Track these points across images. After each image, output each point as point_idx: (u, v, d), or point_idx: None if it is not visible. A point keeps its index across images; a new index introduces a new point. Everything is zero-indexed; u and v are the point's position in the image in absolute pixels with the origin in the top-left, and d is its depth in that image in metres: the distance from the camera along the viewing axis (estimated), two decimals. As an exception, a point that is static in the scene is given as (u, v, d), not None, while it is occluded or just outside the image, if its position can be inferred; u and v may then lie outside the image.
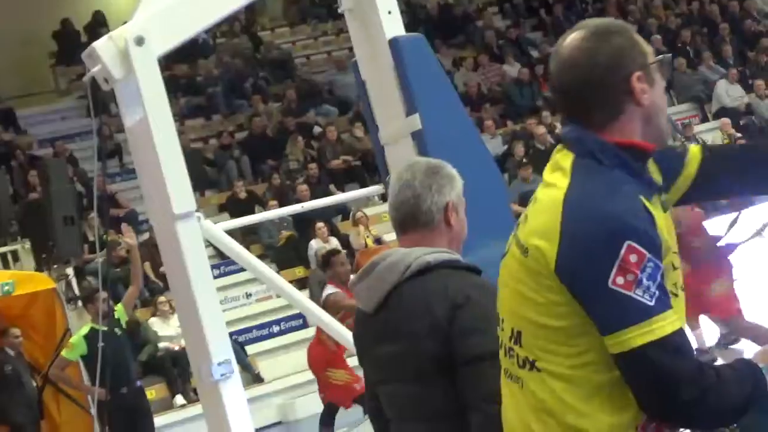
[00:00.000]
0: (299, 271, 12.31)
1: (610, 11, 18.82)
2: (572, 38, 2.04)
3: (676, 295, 1.95)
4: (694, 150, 2.22)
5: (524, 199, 10.23)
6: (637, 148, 2.00)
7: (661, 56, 2.08)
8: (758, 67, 17.84)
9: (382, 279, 2.62)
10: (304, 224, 12.63)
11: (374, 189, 6.71)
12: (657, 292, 1.83)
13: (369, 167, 13.05)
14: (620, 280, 1.81)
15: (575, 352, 1.92)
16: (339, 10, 5.02)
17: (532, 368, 1.98)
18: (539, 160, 13.17)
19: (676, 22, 19.26)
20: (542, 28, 18.94)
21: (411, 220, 2.69)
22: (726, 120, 16.57)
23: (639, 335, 1.82)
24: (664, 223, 1.98)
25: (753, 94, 17.09)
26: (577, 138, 2.01)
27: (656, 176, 2.09)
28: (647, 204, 1.93)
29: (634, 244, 1.82)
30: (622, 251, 1.81)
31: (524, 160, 13.80)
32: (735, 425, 1.98)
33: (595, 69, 1.99)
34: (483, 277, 2.63)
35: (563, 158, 2.01)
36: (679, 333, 1.84)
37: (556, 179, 1.99)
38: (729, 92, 17.37)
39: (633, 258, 1.82)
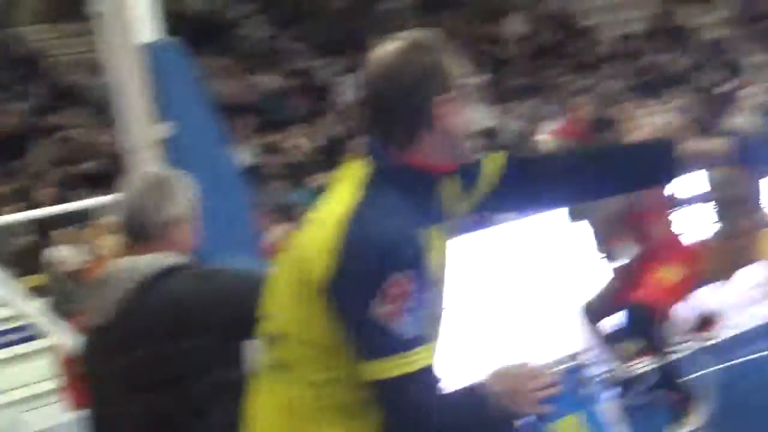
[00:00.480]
0: (39, 279, 11.69)
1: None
2: (384, 50, 2.01)
3: (435, 326, 1.97)
4: (495, 157, 2.22)
5: (280, 211, 10.26)
6: (431, 171, 1.99)
7: (469, 80, 2.06)
8: (507, 90, 18.37)
9: (116, 288, 2.61)
10: (46, 229, 12.01)
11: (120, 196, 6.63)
12: (417, 326, 1.84)
13: (118, 173, 12.82)
14: (382, 309, 1.82)
15: (328, 366, 1.95)
16: (90, 11, 4.90)
17: (286, 370, 2.00)
18: (293, 172, 13.51)
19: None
20: (303, 39, 19.07)
21: (141, 230, 2.71)
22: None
23: (395, 366, 1.84)
24: (440, 252, 1.97)
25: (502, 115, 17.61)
26: (374, 154, 2.01)
27: (452, 195, 2.06)
28: (427, 233, 1.91)
29: (401, 276, 1.83)
30: (388, 281, 1.82)
31: (278, 172, 13.81)
32: None
33: (400, 86, 1.96)
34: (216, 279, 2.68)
35: (355, 171, 2.01)
36: (431, 369, 1.88)
37: (342, 193, 1.98)
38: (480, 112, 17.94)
39: (397, 289, 1.83)
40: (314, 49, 18.44)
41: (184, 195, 2.82)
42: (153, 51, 4.59)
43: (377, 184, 1.97)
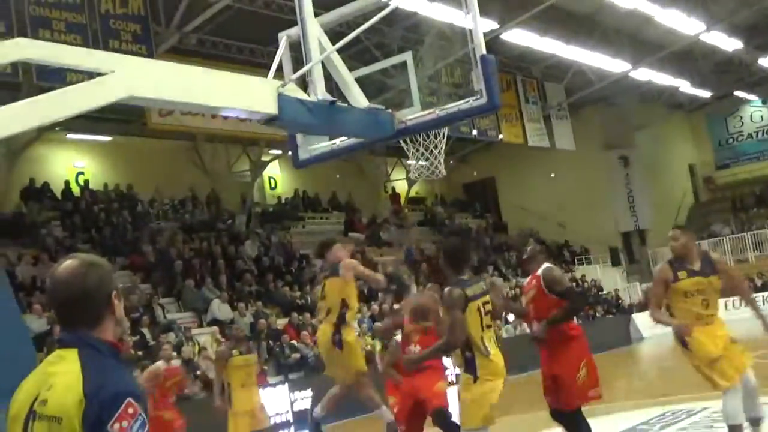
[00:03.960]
0: None
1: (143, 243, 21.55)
2: (66, 265, 2.42)
3: None
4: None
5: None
6: (116, 344, 2.44)
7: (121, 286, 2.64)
8: (243, 294, 20.91)
9: None
10: None
11: None
12: None
13: None
14: (117, 426, 2.17)
15: None
16: None
17: None
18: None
19: (191, 254, 21.85)
20: (91, 242, 20.76)
21: None
22: (216, 328, 19.00)
23: None
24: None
25: (237, 312, 19.79)
26: (78, 338, 2.37)
27: None
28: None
29: (133, 401, 2.22)
30: (123, 405, 2.20)
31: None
32: None
33: (86, 286, 2.38)
34: None
35: (64, 354, 2.36)
36: None
37: (64, 368, 2.32)
38: (220, 308, 19.65)
39: (130, 410, 2.20)
40: (98, 250, 19.64)
41: None
42: None
43: (91, 355, 2.32)
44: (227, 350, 10.12)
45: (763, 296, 30.15)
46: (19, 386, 2.44)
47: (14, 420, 2.36)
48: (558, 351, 7.11)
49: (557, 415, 7.39)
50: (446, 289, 6.28)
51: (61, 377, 2.29)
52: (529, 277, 7.63)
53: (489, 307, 6.34)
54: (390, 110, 7.93)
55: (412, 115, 7.92)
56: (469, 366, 6.20)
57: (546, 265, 7.42)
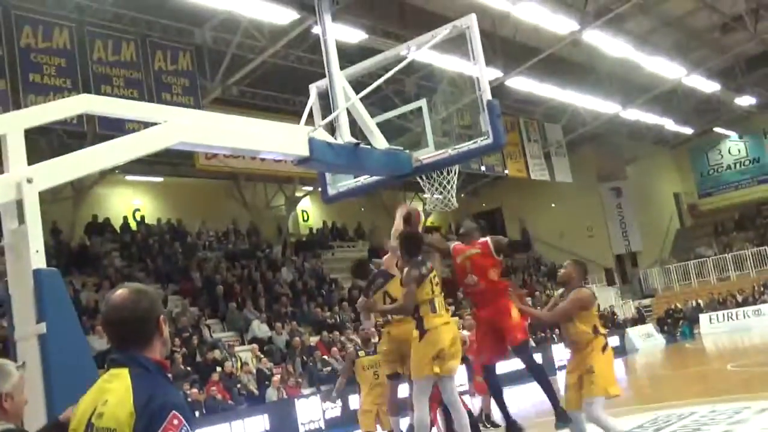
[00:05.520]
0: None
1: (189, 264, 21.69)
2: (120, 293, 2.41)
3: None
4: None
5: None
6: (163, 362, 2.42)
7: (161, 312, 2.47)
8: (279, 314, 20.99)
9: None
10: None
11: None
12: None
13: (9, 353, 12.92)
14: None
15: None
16: (0, 244, 5.11)
17: None
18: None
19: (233, 280, 22.03)
20: (146, 270, 20.80)
21: None
22: (255, 345, 18.74)
23: None
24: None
25: (274, 331, 19.83)
26: (129, 358, 2.36)
27: None
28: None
29: (177, 414, 2.21)
30: (169, 417, 2.20)
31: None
32: None
33: (137, 312, 2.37)
34: None
35: (117, 373, 2.35)
36: None
37: (116, 384, 2.31)
38: (259, 327, 19.73)
39: (175, 422, 2.20)
40: (152, 277, 20.32)
41: (14, 376, 2.83)
42: (40, 274, 4.63)
43: (141, 374, 2.30)
44: (354, 351, 9.55)
45: (744, 311, 29.87)
46: (79, 401, 2.45)
47: (75, 431, 2.38)
48: (493, 302, 7.41)
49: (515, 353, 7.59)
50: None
51: (114, 393, 2.29)
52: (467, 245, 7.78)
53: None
54: (408, 150, 7.97)
55: (428, 154, 7.96)
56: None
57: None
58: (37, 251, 4.63)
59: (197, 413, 14.62)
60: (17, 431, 2.80)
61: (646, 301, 34.88)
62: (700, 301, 32.15)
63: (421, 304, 6.80)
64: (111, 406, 2.25)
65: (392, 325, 7.74)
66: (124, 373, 2.31)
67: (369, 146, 7.65)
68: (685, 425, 9.38)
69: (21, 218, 4.76)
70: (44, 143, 16.30)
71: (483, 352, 7.83)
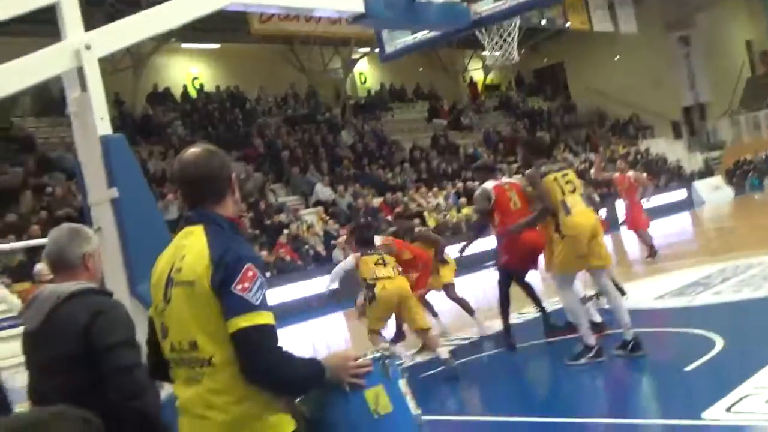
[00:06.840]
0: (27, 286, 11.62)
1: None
2: (192, 151, 2.43)
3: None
4: None
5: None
6: (236, 220, 2.46)
7: (239, 173, 3.27)
8: (342, 177, 21.16)
9: (41, 305, 2.75)
10: (32, 253, 12.74)
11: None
12: (262, 297, 2.22)
13: (84, 219, 13.26)
14: (239, 287, 2.19)
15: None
16: (66, 113, 5.08)
17: (208, 365, 2.24)
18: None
19: (295, 144, 22.24)
20: (209, 137, 20.40)
21: (60, 264, 2.87)
22: (320, 208, 19.42)
23: (247, 319, 2.17)
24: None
25: (337, 194, 20.03)
26: (203, 215, 2.38)
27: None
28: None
29: (251, 265, 2.24)
30: (244, 269, 2.21)
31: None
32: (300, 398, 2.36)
33: (210, 169, 2.39)
34: (114, 299, 2.84)
35: (192, 230, 2.37)
36: (273, 326, 2.20)
37: (193, 240, 2.34)
38: (322, 191, 20.18)
39: (250, 273, 2.22)
40: (215, 144, 20.57)
41: (94, 238, 2.93)
42: (107, 140, 4.64)
43: (215, 230, 2.33)
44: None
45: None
46: (157, 258, 2.48)
47: (156, 286, 2.42)
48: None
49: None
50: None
51: (191, 248, 2.31)
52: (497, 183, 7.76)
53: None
54: (465, 3, 7.71)
55: (486, 6, 7.69)
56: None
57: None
58: (102, 118, 4.63)
59: (268, 274, 14.96)
60: (101, 291, 2.86)
61: (715, 153, 34.02)
62: (770, 151, 31.30)
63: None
64: (189, 261, 2.28)
65: (384, 281, 7.48)
66: (199, 229, 2.33)
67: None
68: (753, 274, 9.34)
69: (83, 86, 4.70)
70: (100, 14, 16.19)
71: (515, 261, 7.70)
